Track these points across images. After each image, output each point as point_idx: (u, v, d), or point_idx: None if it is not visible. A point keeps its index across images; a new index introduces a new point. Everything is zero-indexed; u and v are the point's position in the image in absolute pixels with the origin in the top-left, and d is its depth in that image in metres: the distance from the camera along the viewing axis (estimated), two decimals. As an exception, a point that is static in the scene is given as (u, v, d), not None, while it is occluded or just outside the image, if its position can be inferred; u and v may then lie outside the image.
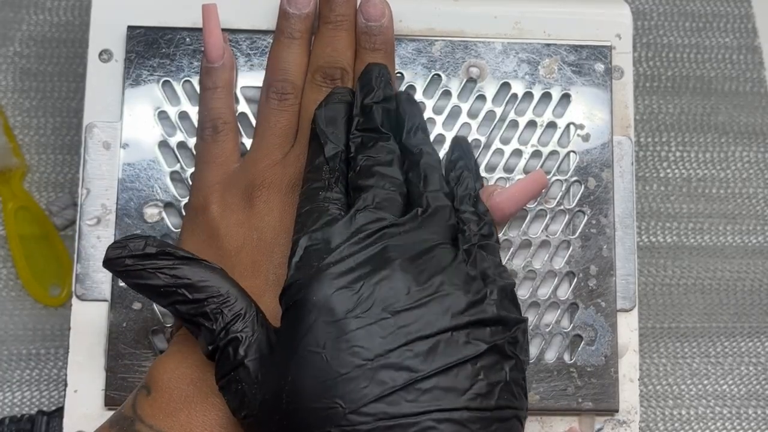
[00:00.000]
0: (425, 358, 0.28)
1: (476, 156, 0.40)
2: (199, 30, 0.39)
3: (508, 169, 0.40)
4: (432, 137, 0.40)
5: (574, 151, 0.40)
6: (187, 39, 0.40)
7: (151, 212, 0.39)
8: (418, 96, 0.40)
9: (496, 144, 0.40)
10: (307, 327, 0.29)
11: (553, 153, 0.40)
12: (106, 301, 0.38)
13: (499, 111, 0.40)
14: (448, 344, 0.29)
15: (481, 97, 0.40)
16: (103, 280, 0.38)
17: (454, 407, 0.28)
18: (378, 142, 0.34)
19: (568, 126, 0.40)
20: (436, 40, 0.40)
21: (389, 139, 0.35)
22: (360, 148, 0.34)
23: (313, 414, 0.28)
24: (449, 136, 0.40)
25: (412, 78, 0.40)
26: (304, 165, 0.35)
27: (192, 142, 0.39)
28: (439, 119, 0.40)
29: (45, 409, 0.44)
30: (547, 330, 0.39)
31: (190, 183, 0.38)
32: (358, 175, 0.33)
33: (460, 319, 0.29)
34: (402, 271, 0.30)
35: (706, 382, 0.49)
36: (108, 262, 0.31)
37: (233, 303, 0.31)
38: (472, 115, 0.40)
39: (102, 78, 0.40)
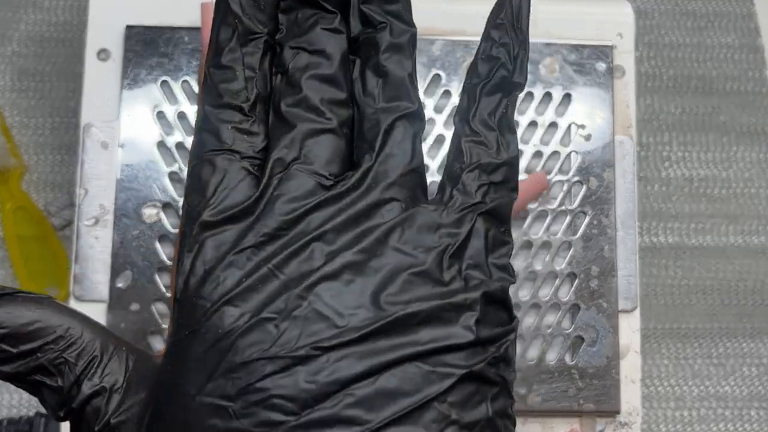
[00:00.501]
0: (371, 403, 0.19)
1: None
2: (198, 29, 0.39)
3: (509, 169, 0.40)
4: (432, 137, 0.39)
5: (575, 151, 0.40)
6: (186, 38, 0.40)
7: (149, 212, 0.38)
8: (418, 95, 0.40)
9: (497, 144, 0.40)
10: (201, 376, 0.20)
11: (555, 153, 0.40)
12: (104, 302, 0.38)
13: (499, 111, 0.40)
14: (403, 380, 0.20)
15: (482, 97, 0.40)
16: (101, 281, 0.38)
17: None
18: (317, 24, 0.22)
19: (569, 126, 0.40)
20: (437, 39, 0.40)
21: (335, 18, 0.23)
22: (289, 31, 0.22)
23: None
24: (449, 136, 0.40)
25: (413, 77, 0.40)
26: (204, 59, 0.23)
27: (190, 141, 0.39)
28: (440, 119, 0.40)
29: (43, 410, 0.44)
30: (549, 331, 0.38)
31: (189, 183, 0.38)
32: (284, 88, 0.22)
33: (417, 347, 0.20)
34: (335, 284, 0.20)
35: (708, 383, 0.48)
36: None
37: (82, 344, 0.21)
38: (472, 114, 0.40)
39: (100, 77, 0.39)
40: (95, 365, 0.21)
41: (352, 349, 0.20)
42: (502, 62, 0.23)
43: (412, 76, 0.23)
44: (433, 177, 0.39)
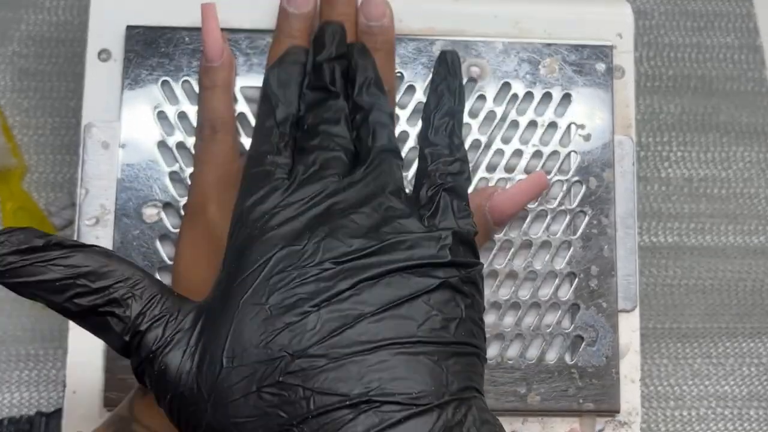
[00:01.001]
0: (373, 296, 0.27)
1: (476, 156, 0.39)
2: (199, 29, 0.39)
3: (509, 169, 0.40)
4: (432, 137, 0.40)
5: (575, 151, 0.40)
6: (186, 38, 0.40)
7: (150, 212, 0.38)
8: (419, 95, 0.40)
9: (497, 144, 0.40)
10: (248, 285, 0.27)
11: (554, 153, 0.40)
12: (104, 301, 0.38)
13: (499, 111, 0.40)
14: (397, 283, 0.27)
15: (482, 97, 0.40)
16: (101, 280, 0.38)
17: (408, 339, 0.26)
18: (327, 101, 0.33)
19: (569, 126, 0.40)
20: (437, 40, 0.40)
21: (338, 96, 0.34)
22: (309, 107, 0.33)
23: (259, 367, 0.26)
24: (449, 136, 0.40)
25: (413, 77, 0.40)
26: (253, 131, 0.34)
27: (191, 141, 0.39)
28: (440, 119, 0.40)
29: (44, 410, 0.44)
30: (548, 331, 0.38)
31: (189, 183, 0.38)
32: (304, 137, 0.32)
33: (406, 263, 0.28)
34: (346, 225, 0.29)
35: (707, 382, 0.48)
36: None
37: (145, 286, 0.28)
38: (472, 114, 0.40)
39: (101, 78, 0.39)
40: (156, 301, 0.28)
41: (358, 262, 0.27)
42: (446, 95, 0.35)
43: (393, 133, 0.34)
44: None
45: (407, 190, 0.32)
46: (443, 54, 0.34)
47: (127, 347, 0.27)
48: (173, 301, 0.28)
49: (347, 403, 0.25)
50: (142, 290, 0.27)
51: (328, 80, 0.34)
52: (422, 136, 0.33)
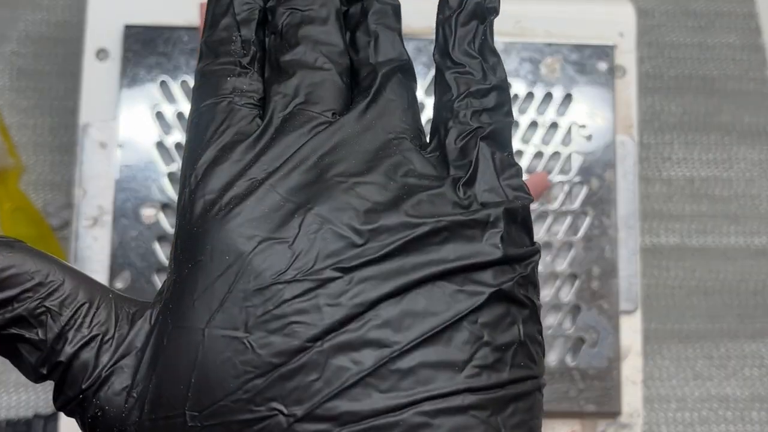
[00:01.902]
0: (399, 324, 0.19)
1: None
2: (197, 29, 0.38)
3: (510, 170, 0.39)
4: (432, 137, 0.39)
5: (576, 152, 0.40)
6: (185, 38, 0.39)
7: (148, 213, 0.38)
8: (419, 95, 0.39)
9: (498, 144, 0.39)
10: (213, 305, 0.19)
11: (556, 153, 0.40)
12: (102, 303, 0.37)
13: (500, 110, 0.40)
14: (430, 299, 0.19)
15: (483, 97, 0.40)
16: (99, 281, 0.37)
17: (451, 390, 0.18)
18: None
19: (570, 126, 0.40)
20: (437, 39, 0.40)
21: None
22: None
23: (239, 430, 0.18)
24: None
25: (413, 77, 0.40)
26: (204, 34, 0.23)
27: (189, 142, 0.39)
28: (440, 119, 0.39)
29: (41, 412, 0.44)
30: (550, 332, 0.38)
31: (188, 183, 0.38)
32: (278, 44, 0.22)
33: (442, 266, 0.19)
34: (349, 204, 0.19)
35: (709, 384, 0.48)
36: None
37: (66, 293, 0.19)
38: (473, 114, 0.40)
39: (98, 77, 0.39)
40: (82, 314, 0.19)
41: (375, 268, 0.19)
42: None
43: (401, 36, 0.23)
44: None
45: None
46: None
47: (46, 377, 0.19)
48: (110, 311, 0.19)
49: None
50: (63, 299, 0.19)
51: None
52: (441, 52, 0.22)
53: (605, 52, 0.40)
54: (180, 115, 0.39)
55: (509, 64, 0.40)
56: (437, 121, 0.22)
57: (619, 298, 0.39)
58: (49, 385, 0.45)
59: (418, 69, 0.40)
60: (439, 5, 0.23)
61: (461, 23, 0.22)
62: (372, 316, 0.19)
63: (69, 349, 0.19)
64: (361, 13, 0.23)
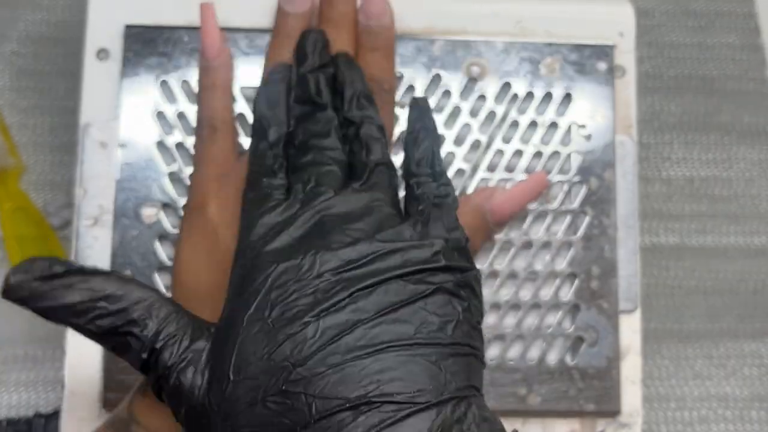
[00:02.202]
0: (370, 304, 0.27)
1: (477, 156, 0.39)
2: (197, 29, 0.38)
3: (510, 170, 0.39)
4: (432, 137, 0.39)
5: (576, 151, 0.40)
6: (185, 38, 0.39)
7: (149, 212, 0.38)
8: (419, 93, 0.40)
9: (498, 144, 0.40)
10: (250, 302, 0.28)
11: (555, 153, 0.40)
12: (103, 302, 0.37)
13: (500, 110, 0.40)
14: (393, 290, 0.28)
15: (482, 97, 0.40)
16: (99, 281, 0.38)
17: (405, 342, 0.27)
18: (315, 113, 0.34)
19: (569, 126, 0.40)
20: (437, 39, 0.40)
21: (325, 108, 0.34)
22: (298, 122, 0.34)
23: (263, 379, 0.27)
24: (450, 136, 0.39)
25: (413, 77, 0.40)
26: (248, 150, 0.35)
27: (190, 141, 0.39)
28: (440, 119, 0.40)
29: (42, 411, 0.44)
30: (549, 331, 0.38)
31: (189, 183, 0.38)
32: (297, 153, 0.33)
33: (402, 270, 0.28)
34: (340, 237, 0.29)
35: (709, 383, 0.48)
36: (10, 289, 0.29)
37: (159, 307, 0.29)
38: (473, 114, 0.40)
39: (99, 77, 0.39)
40: (171, 320, 0.29)
41: (355, 272, 0.28)
42: (422, 133, 0.34)
43: (385, 144, 0.34)
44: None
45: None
46: (414, 100, 0.35)
47: (146, 365, 0.29)
48: (187, 320, 0.29)
49: (347, 405, 0.26)
50: (158, 311, 0.29)
51: (314, 92, 0.34)
52: (406, 170, 0.33)
53: (605, 52, 0.40)
54: (180, 115, 0.39)
55: (509, 64, 0.40)
56: (405, 204, 0.32)
57: (619, 297, 0.39)
58: (48, 385, 0.45)
59: (418, 68, 0.40)
60: (404, 145, 0.34)
61: (418, 153, 0.33)
62: (352, 301, 0.28)
63: (161, 341, 0.29)
64: (355, 133, 0.33)
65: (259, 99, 0.35)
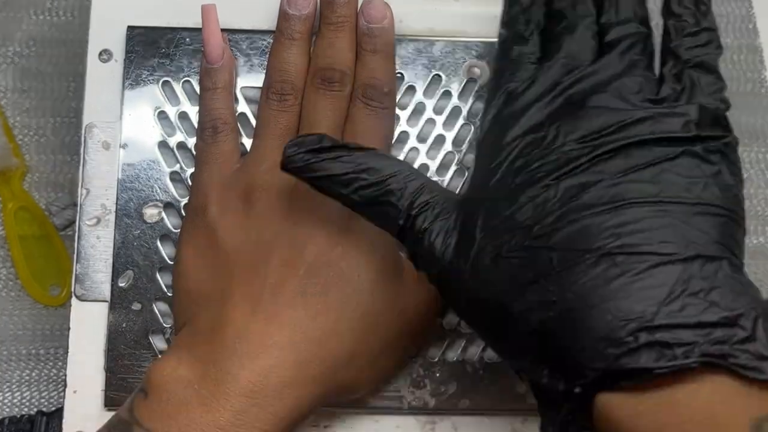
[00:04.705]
0: (611, 166, 0.28)
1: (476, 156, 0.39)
2: (199, 30, 0.39)
3: (509, 170, 0.40)
4: (432, 138, 0.40)
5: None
6: (187, 39, 0.40)
7: (151, 212, 0.39)
8: (419, 96, 0.40)
9: (497, 144, 0.40)
10: (496, 171, 0.30)
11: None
12: (105, 301, 0.38)
13: (499, 111, 0.40)
14: (637, 154, 0.28)
15: (482, 98, 0.40)
16: (102, 280, 0.38)
17: (647, 199, 0.27)
18: None
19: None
20: (437, 40, 0.40)
21: None
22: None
23: (506, 237, 0.29)
24: (449, 137, 0.40)
25: (413, 78, 0.40)
26: (500, 14, 0.35)
27: (192, 142, 0.39)
28: (440, 119, 0.40)
29: (44, 409, 0.44)
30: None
31: (190, 183, 0.38)
32: (551, 21, 0.33)
33: (649, 136, 0.28)
34: (586, 109, 0.30)
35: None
36: (287, 160, 0.32)
37: (413, 178, 0.31)
38: (472, 115, 0.40)
39: (102, 78, 0.40)
40: (424, 190, 0.31)
41: (598, 141, 0.29)
42: None
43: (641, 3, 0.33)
44: (432, 177, 0.39)
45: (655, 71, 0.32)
46: None
47: (402, 231, 0.31)
48: (438, 191, 0.31)
49: (588, 257, 0.27)
50: (412, 182, 0.31)
51: None
52: (665, 8, 0.32)
53: (603, 53, 0.41)
54: (182, 116, 0.39)
55: (508, 65, 0.40)
56: (661, 58, 0.32)
57: (617, 296, 0.39)
58: (50, 384, 0.45)
59: (418, 70, 0.40)
60: None
61: None
62: (593, 164, 0.28)
63: (416, 208, 0.31)
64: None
65: None
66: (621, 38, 0.32)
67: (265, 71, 0.39)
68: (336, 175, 0.31)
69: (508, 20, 0.34)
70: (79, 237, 0.38)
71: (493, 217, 0.29)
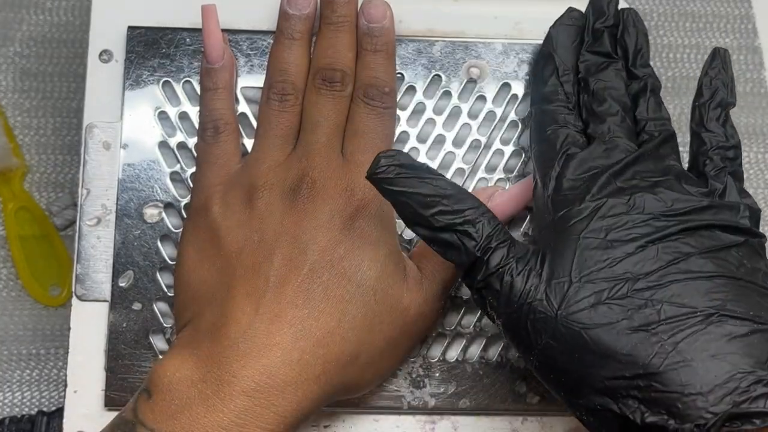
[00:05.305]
0: (695, 241, 0.31)
1: (476, 156, 0.40)
2: (199, 30, 0.39)
3: (509, 170, 0.40)
4: (432, 138, 0.40)
5: (574, 152, 0.40)
6: (188, 39, 0.40)
7: (151, 213, 0.39)
8: (419, 96, 0.40)
9: (497, 144, 0.40)
10: (584, 224, 0.32)
11: (554, 153, 0.40)
12: (106, 301, 0.38)
13: (499, 111, 0.40)
14: (710, 236, 0.32)
15: (482, 98, 0.40)
16: (102, 280, 0.38)
17: (731, 275, 0.31)
18: (609, 66, 0.37)
19: (568, 126, 0.40)
20: (437, 41, 0.40)
21: (618, 63, 0.37)
22: (590, 71, 0.37)
23: (605, 285, 0.30)
24: (449, 137, 0.40)
25: (413, 78, 0.40)
26: (534, 87, 0.38)
27: (192, 142, 0.39)
28: (440, 120, 0.40)
29: (45, 409, 0.44)
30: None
31: (191, 183, 0.38)
32: (592, 100, 0.36)
33: (718, 222, 0.32)
34: (657, 188, 0.32)
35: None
36: (378, 169, 0.32)
37: (491, 216, 0.32)
38: (472, 115, 0.40)
39: (102, 78, 0.40)
40: (500, 229, 0.32)
41: (680, 217, 0.32)
42: (720, 88, 0.36)
43: (663, 104, 0.37)
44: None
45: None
46: (716, 50, 0.37)
47: (474, 264, 0.32)
48: (507, 233, 0.32)
49: (697, 313, 0.29)
50: (490, 218, 0.32)
51: (610, 47, 0.37)
52: (698, 122, 0.36)
53: (603, 53, 0.41)
54: (183, 116, 0.39)
55: (508, 65, 0.40)
56: (693, 160, 0.36)
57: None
58: (51, 384, 0.45)
59: (418, 70, 0.40)
60: (695, 95, 0.37)
61: (711, 107, 0.36)
62: (681, 236, 0.31)
63: (495, 242, 0.32)
64: (642, 88, 0.37)
65: (552, 36, 0.38)
66: (660, 132, 0.35)
67: (265, 71, 0.39)
68: (421, 195, 0.32)
69: (542, 79, 0.37)
70: (79, 237, 0.38)
71: (589, 264, 0.31)
